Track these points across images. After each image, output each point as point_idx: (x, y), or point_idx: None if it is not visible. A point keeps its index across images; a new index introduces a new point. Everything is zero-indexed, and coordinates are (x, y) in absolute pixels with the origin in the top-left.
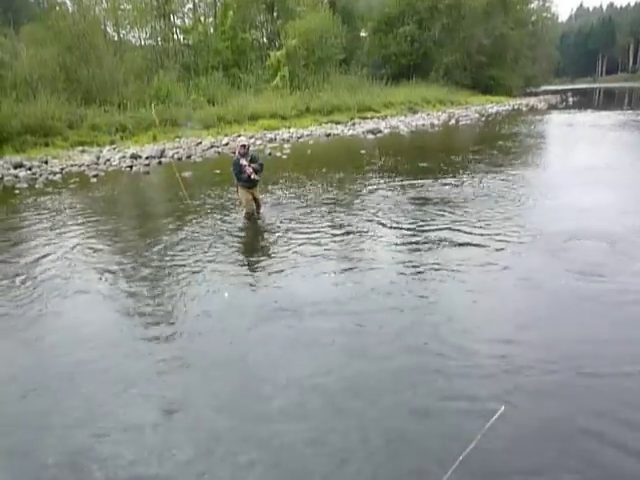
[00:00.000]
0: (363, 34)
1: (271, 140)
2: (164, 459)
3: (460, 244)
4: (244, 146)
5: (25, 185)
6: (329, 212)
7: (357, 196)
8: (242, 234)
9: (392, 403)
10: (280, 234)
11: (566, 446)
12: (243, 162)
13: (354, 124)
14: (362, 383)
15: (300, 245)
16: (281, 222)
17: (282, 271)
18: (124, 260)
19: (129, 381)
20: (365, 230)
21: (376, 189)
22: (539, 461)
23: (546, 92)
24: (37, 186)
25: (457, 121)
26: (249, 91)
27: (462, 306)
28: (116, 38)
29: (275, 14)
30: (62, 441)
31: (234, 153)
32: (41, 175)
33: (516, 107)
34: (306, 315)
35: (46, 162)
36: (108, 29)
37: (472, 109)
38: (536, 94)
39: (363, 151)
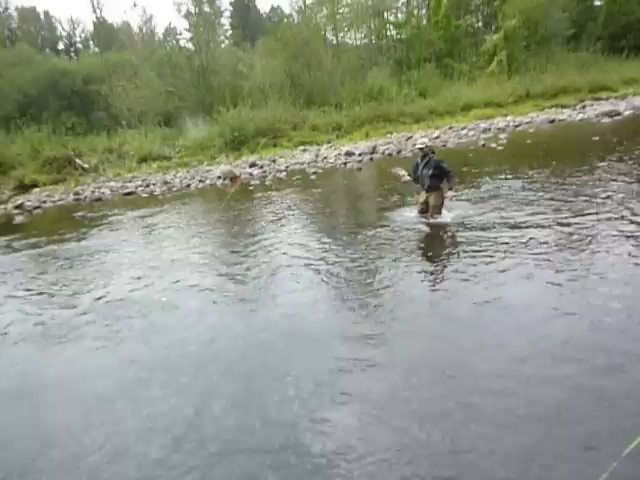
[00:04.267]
0: (598, 2)
1: (485, 130)
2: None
3: None
4: (421, 149)
5: (257, 182)
6: (546, 211)
7: (587, 192)
8: (434, 237)
9: None
10: (472, 237)
11: None
12: (401, 174)
13: (584, 107)
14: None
15: (500, 251)
16: (484, 224)
17: (475, 276)
18: (332, 254)
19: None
20: (593, 235)
21: (613, 184)
22: None
23: None
24: (267, 182)
25: None
26: (462, 80)
27: None
28: (334, 42)
29: None
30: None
31: (444, 146)
32: (270, 173)
33: None
34: (519, 324)
35: (274, 161)
36: (327, 34)
37: None
38: None
39: (596, 138)
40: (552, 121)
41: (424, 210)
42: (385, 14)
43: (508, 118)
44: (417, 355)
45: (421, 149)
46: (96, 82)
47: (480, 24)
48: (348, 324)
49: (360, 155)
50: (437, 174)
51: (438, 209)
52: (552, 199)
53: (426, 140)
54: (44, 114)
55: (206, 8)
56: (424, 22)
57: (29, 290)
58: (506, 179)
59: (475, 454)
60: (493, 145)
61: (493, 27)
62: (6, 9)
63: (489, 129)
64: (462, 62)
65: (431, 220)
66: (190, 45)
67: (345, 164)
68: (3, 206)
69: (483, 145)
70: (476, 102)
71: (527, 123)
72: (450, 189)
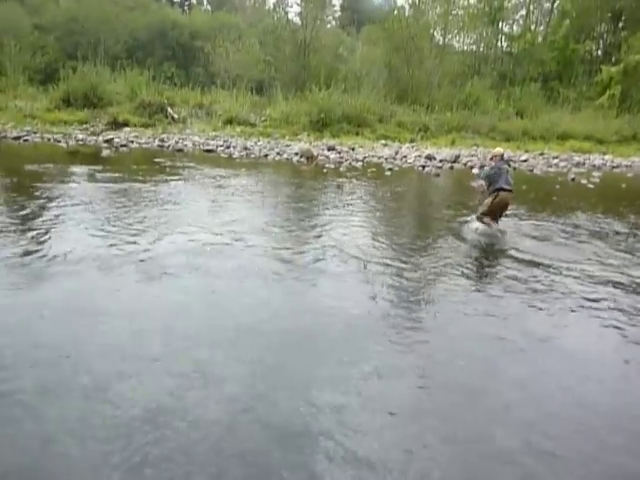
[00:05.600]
0: None
1: (578, 164)
2: None
3: None
4: (492, 157)
5: (332, 166)
6: (625, 264)
7: None
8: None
9: None
10: (534, 270)
11: None
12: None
13: None
14: None
15: (560, 293)
16: (553, 260)
17: (528, 311)
18: (387, 253)
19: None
20: None
21: None
22: None
23: None
24: (341, 169)
25: None
26: (566, 107)
27: None
28: (441, 42)
29: (620, 24)
30: None
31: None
32: (346, 160)
33: None
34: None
35: (353, 149)
36: (435, 33)
37: None
38: None
39: None
40: None
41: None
42: (500, 23)
43: (606, 157)
44: (451, 374)
45: (492, 158)
46: (201, 39)
47: (599, 52)
48: (389, 326)
49: (441, 161)
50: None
51: (487, 210)
52: (635, 253)
53: (501, 150)
54: (148, 60)
55: None
56: (539, 39)
57: (106, 221)
58: (589, 219)
59: None
60: (584, 181)
61: (613, 58)
62: None
63: (583, 164)
64: (570, 88)
65: (478, 223)
66: (297, 19)
67: (423, 167)
68: (95, 138)
69: (573, 179)
70: (575, 133)
71: (627, 166)
72: (481, 184)
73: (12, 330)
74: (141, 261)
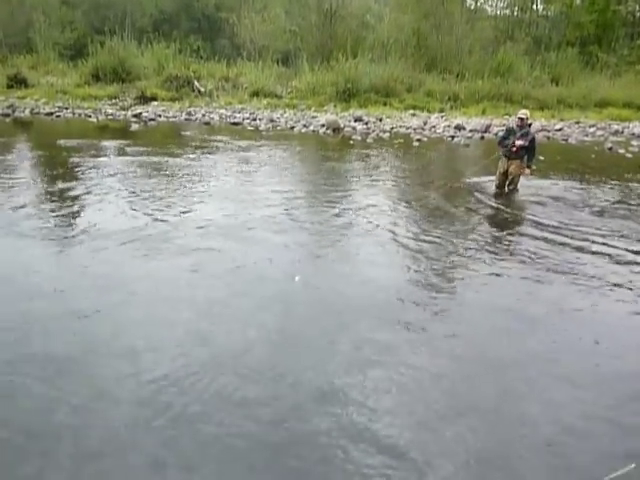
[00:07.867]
0: None
1: (616, 133)
2: None
3: None
4: (522, 119)
5: (359, 138)
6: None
7: None
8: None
9: None
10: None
11: None
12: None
13: None
14: None
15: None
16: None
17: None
18: (407, 225)
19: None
20: None
21: None
22: None
23: None
24: (368, 140)
25: None
26: (605, 73)
27: None
28: (472, 7)
29: None
30: None
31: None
32: (373, 131)
33: None
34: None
35: (380, 120)
36: None
37: None
38: None
39: None
40: None
41: (502, 184)
42: None
43: None
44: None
45: (521, 119)
46: (227, 10)
47: None
48: (418, 297)
49: (471, 131)
50: (528, 147)
51: (518, 179)
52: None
53: (527, 112)
54: (174, 33)
55: None
56: (577, 1)
57: (132, 194)
58: (626, 191)
59: None
60: (621, 151)
61: None
62: None
63: (621, 132)
64: (610, 53)
65: (507, 189)
66: None
67: (453, 137)
68: (124, 112)
69: (610, 148)
70: (614, 100)
71: None
72: (529, 167)
73: (52, 295)
74: (176, 235)
